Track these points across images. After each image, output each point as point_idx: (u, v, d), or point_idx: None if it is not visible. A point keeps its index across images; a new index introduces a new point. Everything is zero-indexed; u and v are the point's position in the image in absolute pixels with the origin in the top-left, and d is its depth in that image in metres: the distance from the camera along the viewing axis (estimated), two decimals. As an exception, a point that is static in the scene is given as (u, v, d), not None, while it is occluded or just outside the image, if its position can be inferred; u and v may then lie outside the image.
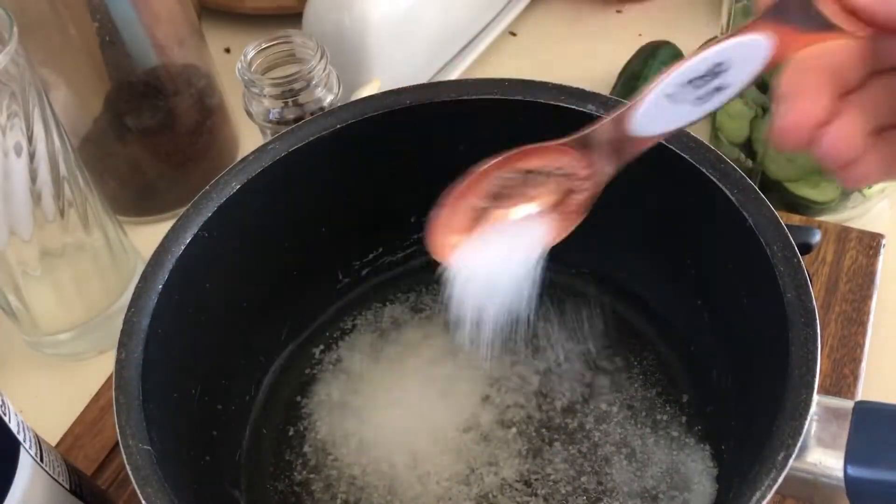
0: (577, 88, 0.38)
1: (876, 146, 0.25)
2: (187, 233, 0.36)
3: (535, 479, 0.39)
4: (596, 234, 0.43)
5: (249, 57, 0.45)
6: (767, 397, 0.30)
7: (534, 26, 0.70)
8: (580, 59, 0.66)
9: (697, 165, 0.35)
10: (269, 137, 0.43)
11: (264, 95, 0.44)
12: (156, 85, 0.53)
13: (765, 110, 0.50)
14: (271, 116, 0.45)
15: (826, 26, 0.24)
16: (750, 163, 0.54)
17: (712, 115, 0.56)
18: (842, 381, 0.43)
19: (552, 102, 0.38)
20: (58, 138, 0.43)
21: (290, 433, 0.42)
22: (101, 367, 0.49)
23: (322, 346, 0.45)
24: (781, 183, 0.52)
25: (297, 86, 0.44)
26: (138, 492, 0.29)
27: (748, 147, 0.53)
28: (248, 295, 0.40)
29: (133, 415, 0.31)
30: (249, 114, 0.46)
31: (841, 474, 0.29)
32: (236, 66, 0.45)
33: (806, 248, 0.43)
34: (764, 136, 0.52)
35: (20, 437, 0.33)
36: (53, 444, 0.43)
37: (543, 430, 0.41)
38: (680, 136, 0.36)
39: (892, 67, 0.25)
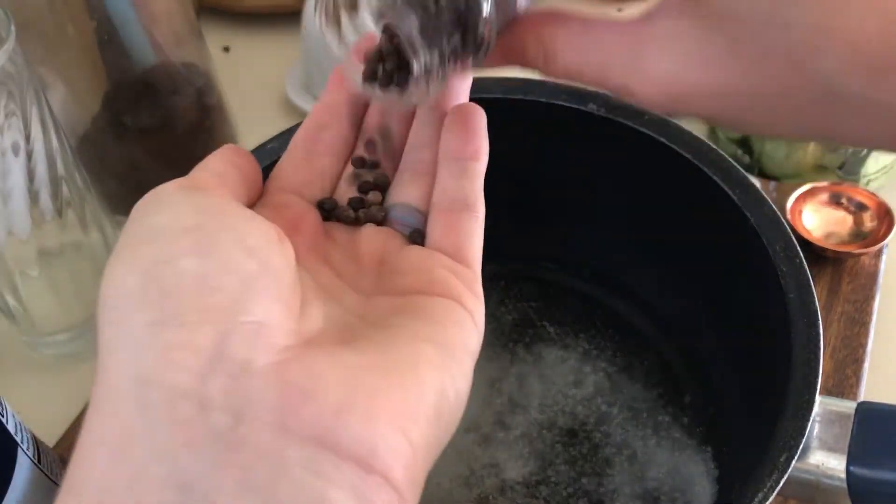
0: (579, 88, 0.38)
1: None
2: (185, 233, 0.36)
3: (536, 481, 0.39)
4: (597, 235, 0.43)
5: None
6: (770, 398, 0.30)
7: (534, 25, 0.70)
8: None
9: (699, 165, 0.35)
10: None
11: None
12: (154, 84, 0.53)
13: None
14: None
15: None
16: (747, 159, 0.54)
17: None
18: (844, 382, 0.42)
19: (552, 101, 0.38)
20: (55, 137, 0.43)
21: (290, 434, 0.42)
22: (100, 368, 0.49)
23: (321, 347, 0.45)
24: (778, 179, 0.52)
25: None
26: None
27: (745, 143, 0.53)
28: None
29: (130, 416, 0.31)
30: None
31: (843, 475, 0.29)
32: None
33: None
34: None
35: (18, 438, 0.33)
36: (51, 444, 0.43)
37: (544, 432, 0.40)
38: (681, 135, 0.36)
39: None
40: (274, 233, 0.22)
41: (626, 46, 0.24)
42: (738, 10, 0.22)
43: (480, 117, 0.27)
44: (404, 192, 0.27)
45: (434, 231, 0.26)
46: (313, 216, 0.26)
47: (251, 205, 0.26)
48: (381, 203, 0.27)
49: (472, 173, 0.26)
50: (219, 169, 0.25)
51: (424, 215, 0.27)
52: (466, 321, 0.23)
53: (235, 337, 0.19)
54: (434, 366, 0.21)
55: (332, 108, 0.29)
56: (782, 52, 0.21)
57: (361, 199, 0.27)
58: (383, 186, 0.28)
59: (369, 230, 0.26)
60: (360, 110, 0.30)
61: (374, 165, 0.28)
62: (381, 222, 0.27)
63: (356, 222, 0.27)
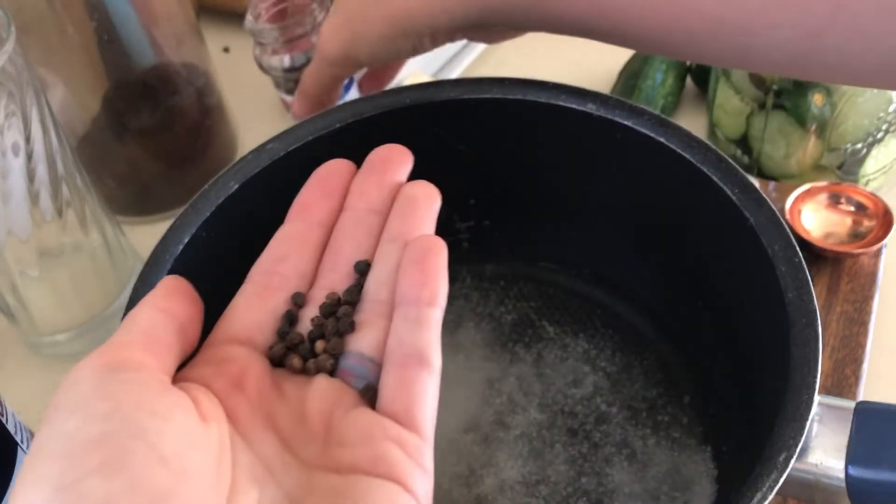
0: (578, 87, 0.38)
1: None
2: (185, 233, 0.36)
3: (536, 481, 0.39)
4: (597, 235, 0.43)
5: (258, 9, 0.51)
6: (769, 398, 0.30)
7: (534, 25, 0.70)
8: (580, 57, 0.66)
9: (699, 165, 0.35)
10: (286, 87, 0.52)
11: (270, 44, 0.51)
12: (154, 84, 0.53)
13: (761, 106, 0.50)
14: (285, 64, 0.52)
15: None
16: (746, 159, 0.54)
17: (709, 112, 0.56)
18: (843, 382, 0.43)
19: (552, 102, 0.38)
20: (56, 138, 0.43)
21: (289, 434, 0.42)
22: (100, 368, 0.49)
23: (321, 347, 0.45)
24: (777, 179, 0.52)
25: (299, 30, 0.50)
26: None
27: (744, 143, 0.53)
28: (246, 295, 0.40)
29: (131, 416, 0.31)
30: (264, 69, 0.53)
31: (842, 475, 0.29)
32: (245, 22, 0.51)
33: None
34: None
35: (18, 438, 0.33)
36: (51, 444, 0.43)
37: (544, 432, 0.40)
38: (681, 135, 0.36)
39: None
40: (196, 419, 0.21)
41: None
42: None
43: (439, 254, 0.26)
44: (359, 338, 0.26)
45: (386, 389, 0.24)
46: (259, 368, 0.25)
47: (188, 352, 0.25)
48: (335, 352, 0.26)
49: (427, 321, 0.25)
50: (148, 324, 0.24)
51: (378, 365, 0.25)
52: None
53: None
54: None
55: (292, 240, 0.28)
56: None
57: (312, 348, 0.26)
58: (342, 332, 0.27)
59: (320, 384, 0.25)
60: (322, 239, 0.29)
61: (330, 313, 0.27)
62: (331, 372, 0.26)
63: (304, 373, 0.26)
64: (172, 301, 0.24)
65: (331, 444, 0.23)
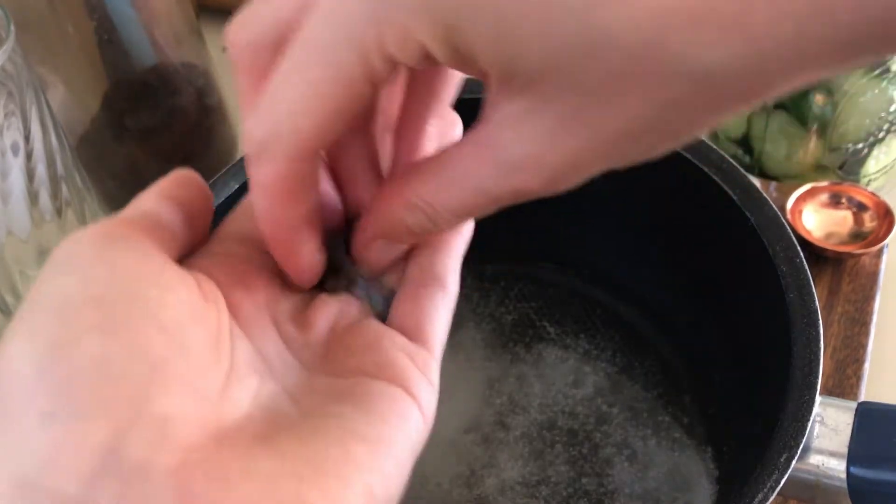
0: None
1: None
2: (185, 233, 0.36)
3: (536, 481, 0.39)
4: (597, 235, 0.43)
5: None
6: (770, 398, 0.30)
7: (534, 25, 0.70)
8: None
9: (699, 165, 0.35)
10: None
11: None
12: (154, 84, 0.53)
13: (762, 106, 0.50)
14: None
15: None
16: (747, 159, 0.54)
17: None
18: (844, 382, 0.42)
19: (553, 101, 0.38)
20: (55, 137, 0.43)
21: (289, 434, 0.42)
22: (100, 368, 0.49)
23: (321, 347, 0.45)
24: (779, 179, 0.52)
25: None
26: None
27: (746, 143, 0.53)
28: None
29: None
30: None
31: (843, 475, 0.29)
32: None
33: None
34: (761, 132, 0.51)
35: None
36: (51, 445, 0.43)
37: (544, 432, 0.40)
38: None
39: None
40: (198, 296, 0.20)
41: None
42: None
43: None
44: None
45: (398, 305, 0.24)
46: (269, 270, 0.24)
47: (194, 245, 0.23)
48: (351, 276, 0.25)
49: (450, 247, 0.24)
50: (153, 207, 0.22)
51: (393, 290, 0.25)
52: (411, 413, 0.21)
53: (135, 433, 0.17)
54: (363, 469, 0.19)
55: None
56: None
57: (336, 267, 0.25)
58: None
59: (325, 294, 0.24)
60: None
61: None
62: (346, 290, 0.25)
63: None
64: (180, 189, 0.22)
65: (334, 351, 0.23)
